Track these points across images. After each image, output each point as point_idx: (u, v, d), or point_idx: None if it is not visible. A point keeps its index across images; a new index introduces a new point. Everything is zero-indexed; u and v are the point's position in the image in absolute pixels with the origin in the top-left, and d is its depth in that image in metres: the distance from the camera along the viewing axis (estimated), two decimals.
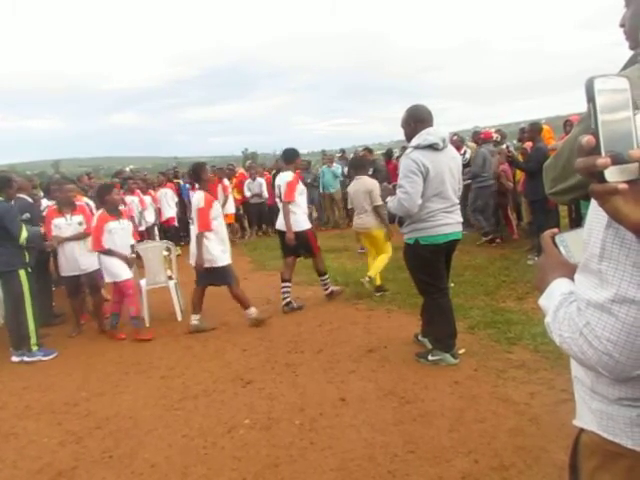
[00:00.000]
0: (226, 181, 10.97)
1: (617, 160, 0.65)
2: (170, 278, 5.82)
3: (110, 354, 4.80)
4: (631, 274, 0.74)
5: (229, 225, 10.90)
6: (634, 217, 0.67)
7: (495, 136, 8.97)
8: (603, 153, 0.66)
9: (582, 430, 0.98)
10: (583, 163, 0.67)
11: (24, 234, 4.68)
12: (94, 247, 5.17)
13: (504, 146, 8.56)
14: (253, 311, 5.23)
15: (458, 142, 9.29)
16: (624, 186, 0.65)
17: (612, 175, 0.65)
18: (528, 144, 6.89)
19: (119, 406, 3.67)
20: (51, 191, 6.78)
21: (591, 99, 0.68)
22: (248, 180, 11.79)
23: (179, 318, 5.66)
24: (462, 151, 8.96)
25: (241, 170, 13.01)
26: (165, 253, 5.89)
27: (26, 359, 4.78)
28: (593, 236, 0.79)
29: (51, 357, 4.84)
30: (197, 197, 5.12)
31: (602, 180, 0.66)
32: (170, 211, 10.66)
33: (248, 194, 11.61)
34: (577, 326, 0.81)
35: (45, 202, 6.98)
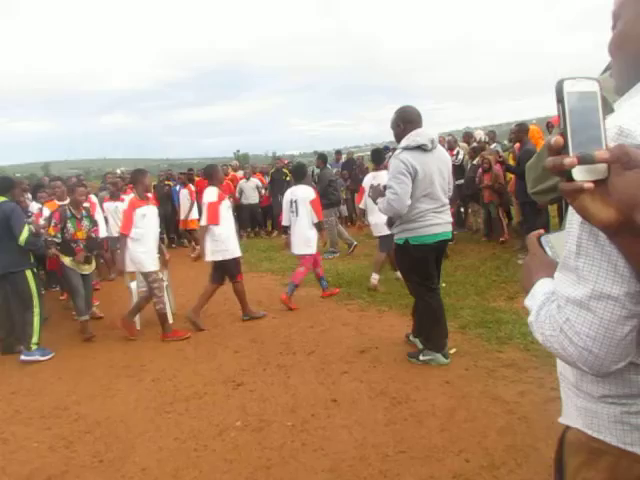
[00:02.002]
0: (192, 186, 10.59)
1: (585, 160, 0.66)
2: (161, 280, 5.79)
3: (101, 357, 4.76)
4: (607, 270, 0.75)
5: (194, 230, 10.11)
6: (601, 216, 0.68)
7: (448, 138, 9.42)
8: (571, 153, 0.67)
9: (567, 427, 1.00)
10: (552, 162, 0.69)
11: (24, 235, 4.70)
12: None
13: (493, 146, 8.60)
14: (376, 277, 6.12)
15: (452, 143, 9.39)
16: (590, 185, 0.66)
17: (579, 174, 0.67)
18: (516, 145, 6.93)
19: (110, 410, 3.64)
20: (38, 194, 6.78)
21: (560, 100, 0.69)
22: (242, 180, 11.68)
23: (170, 320, 5.63)
24: (455, 151, 9.04)
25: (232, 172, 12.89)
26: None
27: (23, 357, 4.80)
28: (570, 234, 0.80)
29: (48, 357, 4.85)
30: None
31: (570, 179, 0.68)
32: None
33: (237, 196, 11.44)
34: (557, 323, 0.82)
35: (35, 205, 6.93)
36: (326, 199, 7.82)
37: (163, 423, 3.36)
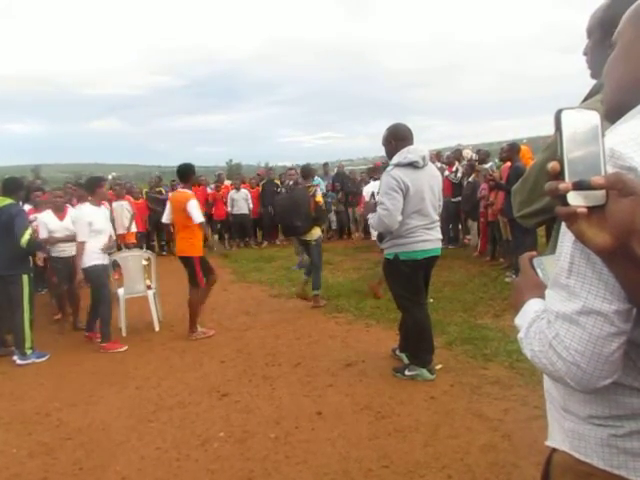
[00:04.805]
0: (131, 198, 9.91)
1: (581, 186, 0.69)
2: (149, 288, 5.77)
3: (85, 364, 4.72)
4: (597, 288, 0.77)
5: (132, 244, 9.24)
6: (596, 240, 0.70)
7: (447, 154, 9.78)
8: (567, 179, 0.70)
9: (554, 449, 1.00)
10: (548, 187, 0.72)
11: (26, 237, 4.69)
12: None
13: (487, 165, 8.70)
14: None
15: (451, 159, 9.54)
16: (583, 210, 0.69)
17: (575, 199, 0.70)
18: (506, 165, 7.01)
19: (92, 417, 3.60)
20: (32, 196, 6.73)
21: (558, 128, 0.73)
22: (232, 191, 11.73)
23: (157, 328, 5.60)
24: (454, 168, 9.16)
25: (226, 182, 12.89)
26: (144, 262, 5.84)
27: (19, 362, 4.77)
28: (563, 252, 0.82)
29: (44, 359, 4.85)
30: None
31: (566, 203, 0.70)
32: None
33: (229, 209, 11.50)
34: (547, 338, 0.83)
35: (26, 207, 6.86)
36: None
37: (145, 432, 3.33)
